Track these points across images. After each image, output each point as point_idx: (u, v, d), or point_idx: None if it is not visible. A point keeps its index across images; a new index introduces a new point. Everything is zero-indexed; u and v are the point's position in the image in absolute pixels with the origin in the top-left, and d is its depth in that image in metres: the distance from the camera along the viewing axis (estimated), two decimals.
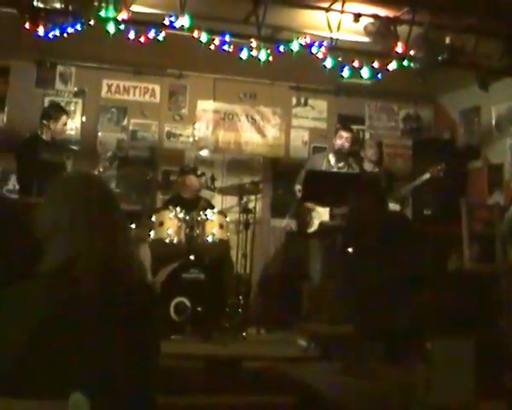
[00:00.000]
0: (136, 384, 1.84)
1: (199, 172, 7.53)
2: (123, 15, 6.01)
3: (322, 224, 6.88)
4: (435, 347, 2.13)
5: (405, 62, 6.77)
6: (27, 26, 5.86)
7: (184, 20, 6.17)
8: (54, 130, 6.78)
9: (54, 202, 2.00)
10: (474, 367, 2.15)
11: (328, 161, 7.36)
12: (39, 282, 1.88)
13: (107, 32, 5.98)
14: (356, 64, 6.84)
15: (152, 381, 1.91)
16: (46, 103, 8.13)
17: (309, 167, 7.29)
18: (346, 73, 6.90)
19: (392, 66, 6.80)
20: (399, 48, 6.69)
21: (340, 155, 7.30)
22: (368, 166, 7.72)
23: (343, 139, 7.26)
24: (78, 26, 6.01)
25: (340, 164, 7.32)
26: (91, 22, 5.98)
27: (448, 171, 7.35)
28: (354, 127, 9.25)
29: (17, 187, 7.05)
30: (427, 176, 7.33)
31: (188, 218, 6.53)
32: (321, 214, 6.97)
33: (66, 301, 1.82)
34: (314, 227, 7.00)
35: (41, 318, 1.78)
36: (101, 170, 6.98)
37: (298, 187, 7.17)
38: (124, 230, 2.02)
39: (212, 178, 7.68)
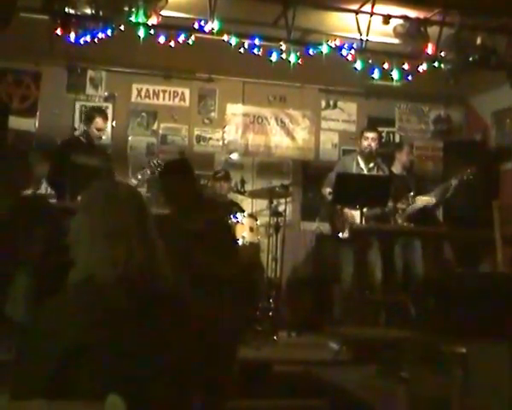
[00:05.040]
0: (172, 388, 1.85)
1: (225, 175, 7.55)
2: (153, 20, 6.04)
3: (353, 227, 6.83)
4: (471, 351, 2.10)
5: (436, 64, 6.72)
6: (59, 31, 5.92)
7: (214, 24, 6.19)
8: (94, 133, 6.83)
9: (78, 212, 2.03)
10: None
11: (358, 163, 7.31)
12: (71, 292, 1.92)
13: (138, 36, 6.02)
14: (386, 66, 6.80)
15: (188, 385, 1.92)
16: (77, 108, 8.29)
17: (339, 170, 7.24)
18: (375, 75, 6.87)
19: (423, 67, 6.75)
20: (430, 49, 6.64)
21: (369, 156, 7.26)
22: (396, 169, 7.65)
23: (369, 140, 7.21)
24: (109, 32, 6.05)
25: (370, 165, 7.28)
26: (122, 27, 6.02)
27: (480, 173, 7.26)
28: (384, 129, 9.21)
29: (49, 191, 7.04)
30: (455, 181, 7.21)
31: None
32: (352, 217, 6.93)
33: (94, 310, 1.84)
34: (346, 232, 6.95)
35: (76, 325, 1.80)
36: (139, 177, 6.93)
37: (328, 190, 7.14)
38: (147, 235, 2.01)
39: (242, 182, 7.66)
